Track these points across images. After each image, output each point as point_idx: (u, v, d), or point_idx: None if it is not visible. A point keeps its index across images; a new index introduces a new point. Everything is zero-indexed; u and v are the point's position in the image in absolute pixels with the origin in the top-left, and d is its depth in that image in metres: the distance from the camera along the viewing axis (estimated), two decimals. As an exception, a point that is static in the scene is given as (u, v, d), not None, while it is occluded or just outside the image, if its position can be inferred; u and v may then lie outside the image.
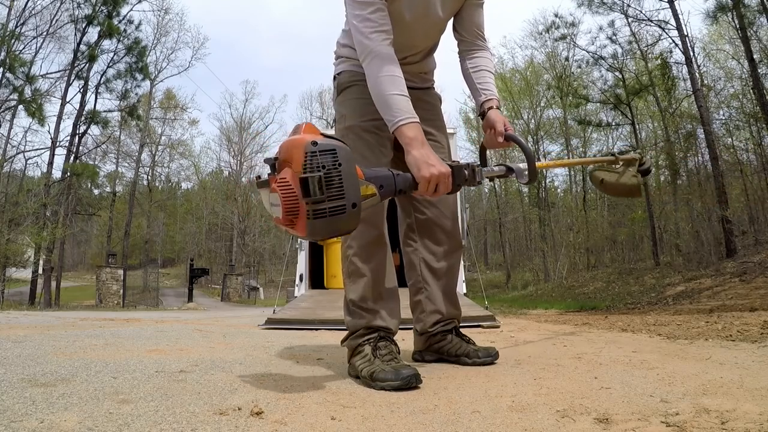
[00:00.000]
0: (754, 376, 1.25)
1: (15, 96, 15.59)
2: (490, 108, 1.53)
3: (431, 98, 1.68)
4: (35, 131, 27.29)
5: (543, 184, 21.55)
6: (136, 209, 25.27)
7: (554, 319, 4.51)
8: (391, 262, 1.53)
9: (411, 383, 1.24)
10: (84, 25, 17.36)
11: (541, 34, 19.57)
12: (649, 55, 15.55)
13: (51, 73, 17.44)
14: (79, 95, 17.95)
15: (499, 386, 1.25)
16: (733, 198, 13.02)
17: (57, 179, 17.10)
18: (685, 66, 13.57)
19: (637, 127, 16.63)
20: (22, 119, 34.97)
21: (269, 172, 1.21)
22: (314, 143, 1.10)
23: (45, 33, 16.68)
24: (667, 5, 13.07)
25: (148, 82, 21.89)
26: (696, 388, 1.14)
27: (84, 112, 17.88)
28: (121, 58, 18.96)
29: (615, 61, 15.96)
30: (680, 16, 12.96)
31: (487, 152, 1.59)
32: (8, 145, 16.17)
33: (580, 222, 19.77)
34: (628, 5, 14.54)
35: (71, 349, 1.84)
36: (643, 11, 14.52)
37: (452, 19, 1.59)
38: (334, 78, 1.62)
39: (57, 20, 16.98)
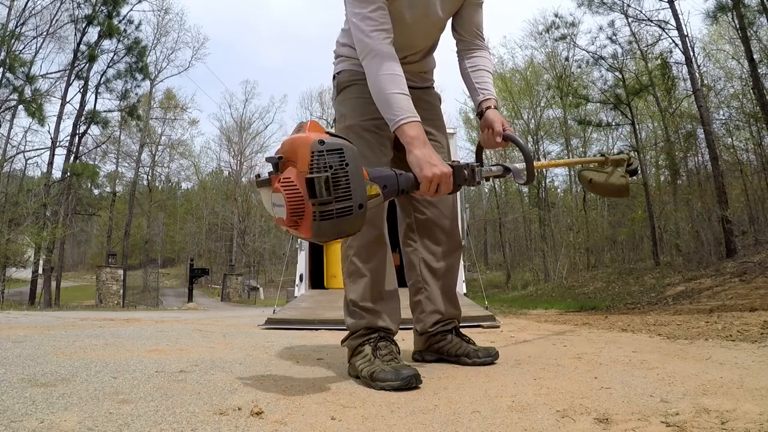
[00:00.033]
0: (754, 376, 1.25)
1: (15, 96, 15.59)
2: (488, 108, 1.53)
3: (431, 98, 1.68)
4: (35, 131, 27.29)
5: (543, 184, 21.55)
6: (136, 209, 25.28)
7: (554, 319, 4.51)
8: (391, 262, 1.53)
9: (411, 383, 1.24)
10: (84, 25, 17.37)
11: (541, 34, 19.59)
12: (649, 55, 15.55)
13: (51, 73, 17.46)
14: (79, 95, 17.98)
15: (499, 386, 1.25)
16: (733, 198, 13.03)
17: (57, 179, 17.10)
18: (685, 66, 13.57)
19: (637, 127, 16.63)
20: (22, 119, 35.00)
21: (270, 170, 1.18)
22: (321, 142, 1.07)
23: (45, 33, 16.69)
24: (667, 5, 13.08)
25: (148, 82, 21.92)
26: (696, 388, 1.14)
27: (84, 112, 17.88)
28: (121, 58, 18.98)
29: (615, 61, 15.96)
30: (680, 16, 12.97)
31: (484, 152, 1.59)
32: (8, 145, 16.19)
33: (580, 222, 19.78)
34: (628, 5, 14.55)
35: (71, 349, 1.84)
36: (643, 11, 14.53)
37: (451, 18, 1.59)
38: (334, 77, 1.62)
39: (57, 20, 17.00)
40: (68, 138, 17.53)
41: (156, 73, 23.03)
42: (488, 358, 1.57)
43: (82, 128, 17.99)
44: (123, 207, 26.12)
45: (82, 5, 17.21)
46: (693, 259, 12.47)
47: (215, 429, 0.89)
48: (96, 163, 20.16)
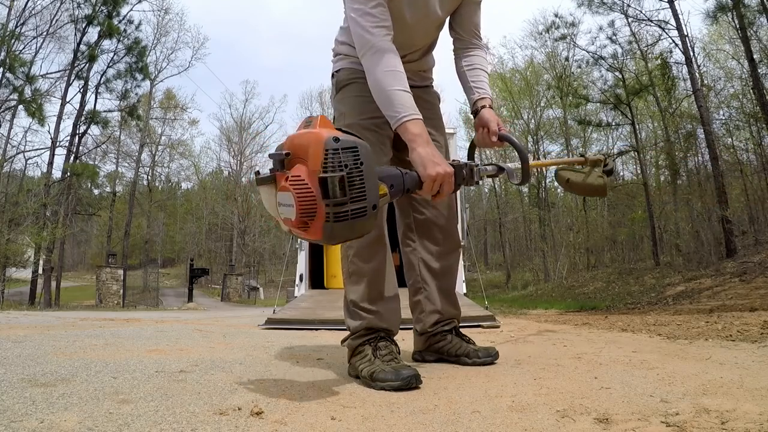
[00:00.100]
0: (754, 376, 1.25)
1: (15, 96, 15.60)
2: (483, 106, 1.52)
3: (431, 97, 1.67)
4: (35, 131, 27.29)
5: (543, 184, 21.56)
6: (136, 209, 25.28)
7: (554, 319, 4.51)
8: (391, 262, 1.52)
9: (411, 383, 1.23)
10: (84, 25, 17.38)
11: (541, 34, 19.60)
12: (649, 55, 15.56)
13: (51, 73, 17.48)
14: (79, 95, 17.99)
15: (499, 386, 1.25)
16: (733, 198, 13.03)
17: (57, 179, 17.10)
18: (685, 66, 13.58)
19: (637, 127, 16.63)
20: (22, 119, 35.00)
21: (272, 167, 1.12)
22: (336, 139, 1.01)
23: (45, 33, 16.70)
24: (667, 5, 13.09)
25: (148, 82, 21.94)
26: (696, 388, 1.14)
27: (84, 112, 17.88)
28: (121, 58, 18.99)
29: (615, 61, 15.97)
30: (680, 16, 12.98)
31: (476, 151, 1.59)
32: (8, 145, 16.20)
33: (580, 222, 19.78)
34: (628, 5, 14.56)
35: (71, 349, 1.84)
36: (643, 11, 14.55)
37: (449, 17, 1.59)
38: (333, 75, 1.61)
39: (57, 20, 17.02)
40: (68, 138, 17.57)
41: (156, 73, 23.07)
42: (488, 358, 1.57)
43: (82, 128, 18.02)
44: (123, 207, 26.12)
45: (82, 5, 17.23)
46: (693, 259, 12.48)
47: (215, 429, 0.89)
48: (96, 163, 20.20)
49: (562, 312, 7.72)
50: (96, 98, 18.83)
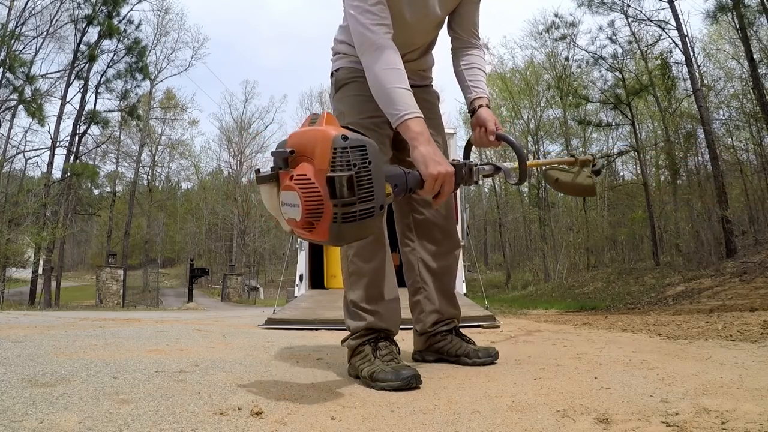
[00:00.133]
0: (754, 376, 1.25)
1: (15, 96, 15.61)
2: (481, 106, 1.51)
3: (430, 96, 1.66)
4: (35, 131, 27.34)
5: (543, 184, 21.55)
6: (136, 209, 25.28)
7: (554, 319, 4.51)
8: (390, 262, 1.52)
9: (411, 384, 1.23)
10: (84, 25, 17.39)
11: (541, 34, 19.61)
12: (649, 55, 15.56)
13: (51, 73, 17.49)
14: (79, 95, 18.00)
15: (499, 386, 1.25)
16: (733, 198, 13.04)
17: (57, 179, 17.11)
18: (685, 66, 13.59)
19: (637, 127, 16.64)
20: (22, 119, 34.99)
21: (274, 166, 1.09)
22: (344, 138, 0.98)
23: (45, 33, 16.70)
24: (667, 5, 13.09)
25: (148, 82, 21.95)
26: (696, 388, 1.14)
27: (84, 112, 17.89)
28: (121, 58, 19.01)
29: (615, 61, 15.97)
30: (680, 16, 12.99)
31: (476, 150, 1.59)
32: (8, 145, 16.20)
33: (580, 222, 19.78)
34: (628, 5, 14.57)
35: (71, 349, 1.84)
36: (643, 11, 14.56)
37: (448, 16, 1.58)
38: (332, 74, 1.60)
39: (57, 20, 17.02)
40: (68, 138, 17.58)
41: (156, 73, 23.08)
42: (488, 358, 1.56)
43: (82, 128, 18.02)
44: (123, 207, 26.13)
45: (82, 5, 17.24)
46: (693, 259, 12.48)
47: (215, 429, 0.89)
48: (96, 163, 20.21)
49: (562, 312, 7.72)
50: (96, 98, 18.87)
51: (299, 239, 5.66)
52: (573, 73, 18.56)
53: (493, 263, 30.37)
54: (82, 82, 17.93)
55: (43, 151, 17.40)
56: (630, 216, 18.44)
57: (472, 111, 1.53)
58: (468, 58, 1.58)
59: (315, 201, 0.98)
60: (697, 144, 15.57)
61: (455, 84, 1.59)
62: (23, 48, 16.29)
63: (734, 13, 11.85)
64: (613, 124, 18.45)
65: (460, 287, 4.96)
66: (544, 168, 1.66)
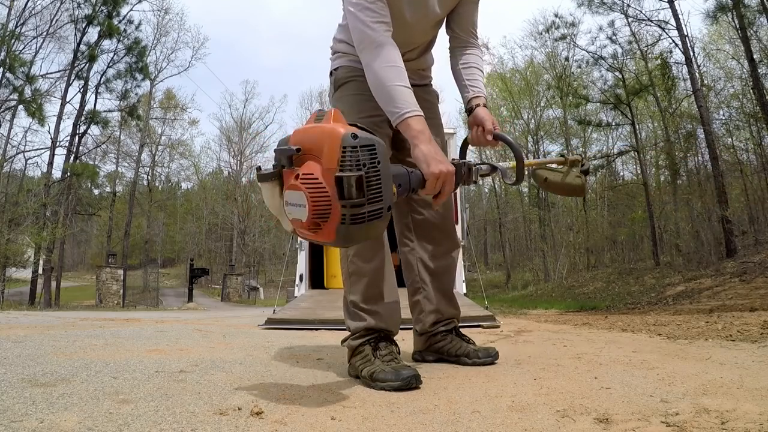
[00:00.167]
0: (754, 376, 1.25)
1: (15, 96, 15.61)
2: (478, 105, 1.50)
3: (430, 96, 1.66)
4: (35, 131, 27.35)
5: (542, 184, 21.50)
6: (136, 209, 25.28)
7: (554, 319, 4.51)
8: (390, 262, 1.52)
9: (411, 384, 1.23)
10: (84, 25, 17.40)
11: (541, 34, 19.62)
12: (649, 55, 15.57)
13: (51, 73, 17.49)
14: (79, 95, 18.01)
15: (499, 386, 1.25)
16: (733, 198, 13.05)
17: (57, 179, 17.11)
18: (685, 66, 13.60)
19: (637, 127, 16.65)
20: (22, 119, 35.00)
21: (276, 163, 1.06)
22: (354, 136, 0.95)
23: (45, 33, 16.71)
24: (667, 5, 13.10)
25: (148, 82, 21.95)
26: (696, 388, 1.14)
27: (84, 112, 17.90)
28: (121, 58, 19.02)
29: (615, 61, 15.98)
30: (680, 16, 13.00)
31: (474, 150, 1.58)
32: (8, 145, 16.21)
33: (580, 222, 19.78)
34: (628, 5, 14.58)
35: (71, 349, 1.84)
36: (643, 11, 14.58)
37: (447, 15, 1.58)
38: (331, 73, 1.59)
39: (57, 20, 17.03)
40: (68, 138, 17.59)
41: (156, 73, 23.08)
42: (488, 358, 1.56)
43: (82, 128, 18.03)
44: (123, 207, 26.13)
45: (82, 5, 17.25)
46: (693, 259, 12.48)
47: (215, 429, 0.89)
48: (96, 163, 20.21)
49: (562, 312, 7.72)
50: (96, 98, 18.89)
51: (299, 239, 5.67)
52: (573, 73, 18.57)
53: (493, 263, 30.37)
54: (82, 82, 17.95)
55: (43, 151, 17.44)
56: (630, 216, 18.45)
57: (469, 110, 1.52)
58: (466, 58, 1.57)
59: (323, 201, 0.95)
60: (697, 144, 15.58)
61: (455, 84, 1.59)
62: (23, 48, 16.33)
63: (734, 13, 11.85)
64: (613, 124, 18.46)
65: (460, 287, 4.96)
66: (533, 168, 1.66)
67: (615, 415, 0.95)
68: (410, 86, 1.30)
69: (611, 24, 15.63)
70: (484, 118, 1.47)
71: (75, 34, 17.41)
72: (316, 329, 2.94)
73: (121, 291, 17.30)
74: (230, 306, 18.04)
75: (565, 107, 19.68)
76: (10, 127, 16.13)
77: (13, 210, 14.81)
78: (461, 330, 1.68)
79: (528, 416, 0.97)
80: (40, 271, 16.21)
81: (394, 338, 1.49)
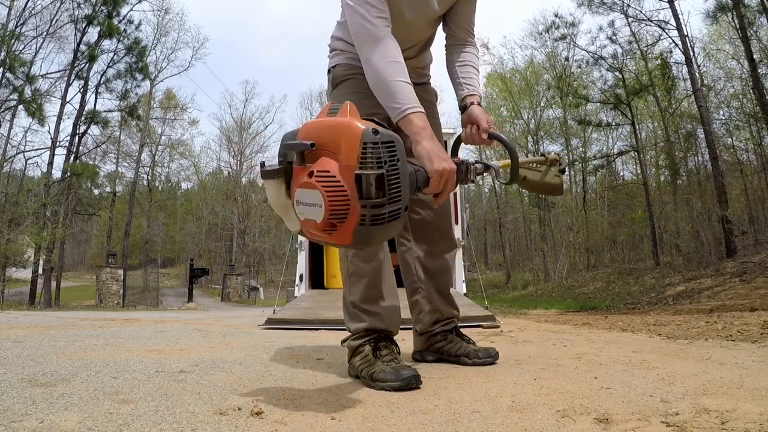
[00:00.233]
0: (754, 376, 1.25)
1: (15, 96, 15.61)
2: (473, 103, 1.48)
3: (428, 95, 1.65)
4: (35, 131, 27.37)
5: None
6: (136, 209, 25.28)
7: (554, 319, 4.51)
8: (389, 262, 1.51)
9: (411, 384, 1.23)
10: (84, 25, 17.40)
11: (541, 34, 19.62)
12: (649, 55, 15.58)
13: (51, 73, 17.49)
14: (79, 95, 18.01)
15: (499, 386, 1.25)
16: (733, 198, 13.05)
17: (57, 179, 17.11)
18: (685, 66, 13.60)
19: (637, 127, 16.65)
20: (22, 119, 34.99)
21: (282, 159, 1.00)
22: (375, 132, 0.90)
23: (45, 33, 16.71)
24: (667, 5, 13.10)
25: (148, 82, 21.95)
26: (696, 388, 1.14)
27: (84, 112, 17.89)
28: (121, 58, 19.02)
29: (615, 61, 15.99)
30: (680, 16, 13.01)
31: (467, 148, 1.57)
32: (8, 145, 16.20)
33: (580, 222, 19.78)
34: (628, 5, 14.58)
35: (71, 349, 1.84)
36: (643, 11, 14.58)
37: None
38: (329, 71, 1.59)
39: (57, 20, 17.03)
40: (68, 138, 17.59)
41: (156, 73, 23.08)
42: (488, 358, 1.56)
43: (82, 128, 18.03)
44: (123, 207, 26.12)
45: (82, 5, 17.24)
46: (693, 259, 12.48)
47: (215, 429, 0.89)
48: (96, 163, 20.21)
49: (562, 312, 7.72)
50: (96, 98, 18.89)
51: (299, 239, 5.67)
52: (573, 73, 18.58)
53: (493, 263, 30.37)
54: (82, 82, 17.95)
55: (43, 151, 17.44)
56: (630, 216, 18.45)
57: (464, 108, 1.50)
58: (462, 56, 1.56)
59: (341, 201, 0.90)
60: (697, 144, 15.59)
61: (450, 81, 1.58)
62: (23, 48, 16.33)
63: (734, 13, 11.85)
64: (613, 124, 18.47)
65: (460, 287, 4.96)
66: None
67: (615, 415, 0.95)
68: (411, 82, 1.28)
69: (611, 24, 15.65)
70: (479, 117, 1.46)
71: (75, 34, 17.43)
72: (316, 329, 2.94)
73: (121, 291, 17.30)
74: (230, 306, 18.03)
75: (565, 107, 19.68)
76: (10, 127, 16.15)
77: (13, 210, 14.81)
78: (461, 330, 1.68)
79: (528, 416, 0.97)
80: (40, 271, 16.21)
81: (394, 338, 1.49)
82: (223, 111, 58.87)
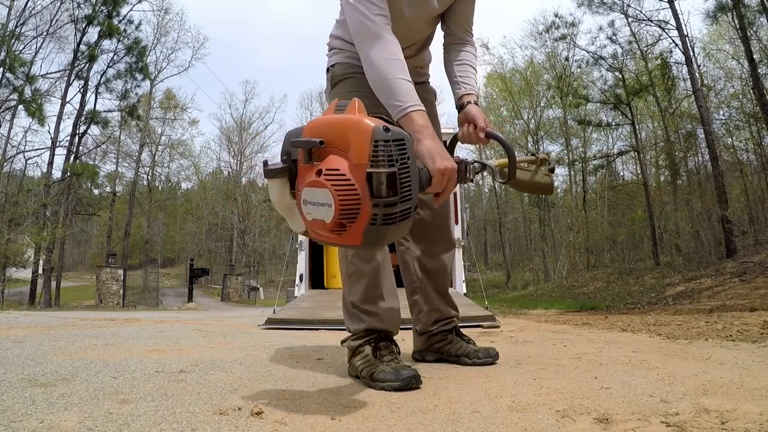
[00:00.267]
0: (754, 376, 1.25)
1: (15, 96, 15.61)
2: (469, 102, 1.48)
3: (428, 94, 1.64)
4: (35, 131, 27.37)
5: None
6: (136, 209, 25.28)
7: (554, 319, 4.51)
8: (389, 262, 1.51)
9: (411, 384, 1.23)
10: (84, 25, 17.40)
11: (541, 34, 19.62)
12: (649, 55, 15.58)
13: (51, 73, 17.50)
14: (79, 95, 18.02)
15: (499, 386, 1.25)
16: (733, 198, 13.05)
17: (57, 179, 17.11)
18: (685, 66, 13.61)
19: (637, 127, 16.65)
20: (22, 119, 35.00)
21: (285, 158, 0.97)
22: (386, 129, 0.88)
23: (45, 33, 16.71)
24: (667, 5, 13.10)
25: (148, 82, 21.95)
26: (696, 388, 1.14)
27: (84, 112, 17.90)
28: (121, 58, 19.02)
29: (615, 61, 15.99)
30: (680, 16, 13.01)
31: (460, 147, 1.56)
32: (8, 145, 16.21)
33: (580, 222, 19.78)
34: (628, 5, 14.58)
35: (71, 349, 1.84)
36: (643, 11, 14.59)
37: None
38: (327, 70, 1.58)
39: (57, 20, 17.03)
40: (68, 138, 17.59)
41: (156, 73, 23.07)
42: (488, 358, 1.56)
43: (82, 128, 18.04)
44: (123, 207, 26.13)
45: (82, 5, 17.25)
46: (693, 259, 12.48)
47: (215, 429, 0.89)
48: (96, 163, 20.21)
49: (562, 312, 7.72)
50: (96, 98, 18.89)
51: (299, 239, 5.67)
52: (573, 73, 18.58)
53: (493, 263, 30.37)
54: (82, 82, 17.95)
55: (43, 151, 17.44)
56: (630, 216, 18.45)
57: (460, 107, 1.49)
58: (460, 55, 1.56)
59: (352, 200, 0.88)
60: (697, 144, 15.60)
61: (447, 80, 1.57)
62: (23, 48, 16.33)
63: (734, 13, 11.86)
64: (613, 124, 18.47)
65: (460, 287, 4.96)
66: (501, 167, 1.66)
67: (615, 415, 0.95)
68: (412, 80, 1.27)
69: (611, 24, 15.66)
70: (476, 116, 1.45)
71: (75, 34, 17.43)
72: (316, 329, 2.94)
73: (121, 291, 17.30)
74: (230, 306, 18.03)
75: (565, 107, 19.69)
76: (10, 127, 16.16)
77: (13, 210, 14.81)
78: (461, 330, 1.68)
79: (528, 416, 0.97)
80: (40, 271, 16.22)
81: (394, 338, 1.49)
82: (223, 111, 58.90)
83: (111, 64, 18.74)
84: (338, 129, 0.91)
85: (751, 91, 12.99)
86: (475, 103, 1.48)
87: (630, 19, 15.00)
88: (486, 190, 30.48)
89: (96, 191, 22.52)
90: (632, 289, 11.54)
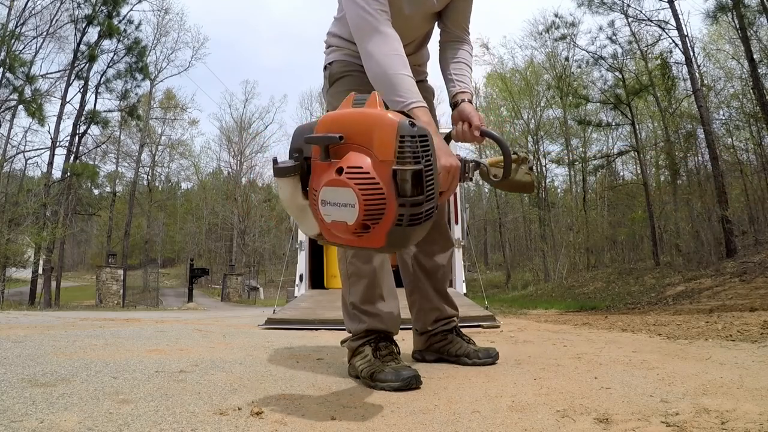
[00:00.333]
0: (754, 376, 1.25)
1: (15, 96, 15.61)
2: (464, 100, 1.47)
3: (426, 93, 1.62)
4: (35, 131, 27.35)
5: (543, 184, 21.56)
6: (136, 209, 25.28)
7: (554, 319, 4.51)
8: (388, 262, 1.51)
9: (411, 384, 1.23)
10: (84, 25, 17.41)
11: (541, 34, 19.63)
12: (649, 55, 15.58)
13: (51, 73, 17.50)
14: (79, 95, 18.02)
15: (499, 386, 1.25)
16: (733, 198, 13.05)
17: (57, 179, 17.12)
18: (685, 66, 13.61)
19: (637, 127, 16.65)
20: (22, 119, 34.97)
21: (297, 155, 0.91)
22: (412, 124, 0.83)
23: (45, 33, 16.71)
24: (667, 5, 13.11)
25: (148, 82, 21.96)
26: (696, 388, 1.14)
27: (84, 112, 17.90)
28: (121, 58, 19.03)
29: (615, 61, 16.00)
30: (680, 16, 13.02)
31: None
32: (8, 145, 16.21)
33: (580, 222, 19.78)
34: (628, 5, 14.59)
35: (71, 349, 1.84)
36: (643, 11, 14.60)
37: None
38: (325, 68, 1.57)
39: (57, 20, 17.04)
40: (68, 138, 17.60)
41: (156, 73, 23.08)
42: (488, 358, 1.56)
43: (82, 128, 18.04)
44: (123, 207, 26.13)
45: (82, 5, 17.25)
46: (693, 259, 12.48)
47: (215, 429, 0.89)
48: (96, 163, 20.21)
49: (562, 312, 7.73)
50: (96, 98, 18.90)
51: (299, 239, 5.67)
52: (573, 73, 18.58)
53: (493, 263, 30.37)
54: (82, 82, 17.96)
55: (43, 151, 17.45)
56: (630, 216, 18.46)
57: (454, 104, 1.48)
58: (456, 53, 1.55)
59: (378, 200, 0.82)
60: (697, 144, 15.60)
61: (442, 77, 1.57)
62: (23, 48, 16.34)
63: (734, 13, 11.86)
64: (613, 124, 18.47)
65: (460, 287, 4.95)
66: (484, 166, 1.65)
67: (615, 415, 0.95)
68: (413, 76, 1.26)
69: (611, 24, 15.67)
70: (471, 114, 1.43)
71: (75, 34, 17.44)
72: (316, 329, 2.94)
73: (121, 291, 17.30)
74: (230, 306, 18.03)
75: (565, 107, 19.68)
76: (10, 127, 16.16)
77: (13, 210, 14.81)
78: (461, 330, 1.68)
79: (528, 416, 0.97)
80: (40, 271, 16.22)
81: (394, 338, 1.49)
82: (223, 111, 58.88)
83: (111, 64, 18.77)
84: (359, 124, 0.85)
85: (751, 91, 12.99)
86: (470, 101, 1.47)
87: (630, 19, 15.02)
88: (486, 190, 30.48)
89: (96, 191, 22.54)
90: (632, 289, 11.54)
